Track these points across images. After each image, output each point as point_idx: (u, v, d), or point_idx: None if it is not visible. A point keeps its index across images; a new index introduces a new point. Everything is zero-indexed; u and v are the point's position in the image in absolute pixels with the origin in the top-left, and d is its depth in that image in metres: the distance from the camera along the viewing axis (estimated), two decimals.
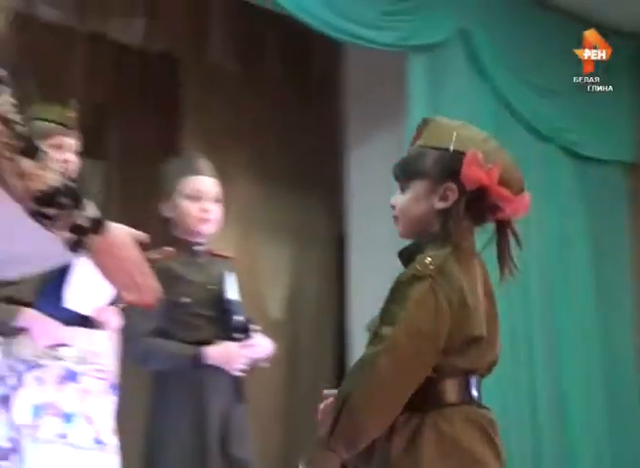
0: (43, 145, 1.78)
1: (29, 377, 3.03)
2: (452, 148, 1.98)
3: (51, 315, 3.04)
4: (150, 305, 1.90)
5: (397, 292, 1.93)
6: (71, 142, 3.25)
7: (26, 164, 1.70)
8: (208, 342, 3.39)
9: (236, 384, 3.46)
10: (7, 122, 1.67)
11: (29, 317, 3.02)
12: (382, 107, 5.37)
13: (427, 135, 2.05)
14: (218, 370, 3.37)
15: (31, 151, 1.71)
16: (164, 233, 3.58)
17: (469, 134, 2.06)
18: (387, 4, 4.91)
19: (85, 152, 5.77)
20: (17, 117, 1.70)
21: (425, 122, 2.11)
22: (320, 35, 4.92)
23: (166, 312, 3.33)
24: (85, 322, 3.13)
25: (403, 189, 2.06)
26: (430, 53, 5.04)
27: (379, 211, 5.38)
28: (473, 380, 2.00)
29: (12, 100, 1.70)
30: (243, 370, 3.44)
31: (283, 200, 5.78)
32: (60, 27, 4.97)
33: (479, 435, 1.96)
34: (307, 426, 5.72)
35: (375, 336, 1.93)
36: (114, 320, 3.19)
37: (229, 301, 3.45)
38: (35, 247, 1.85)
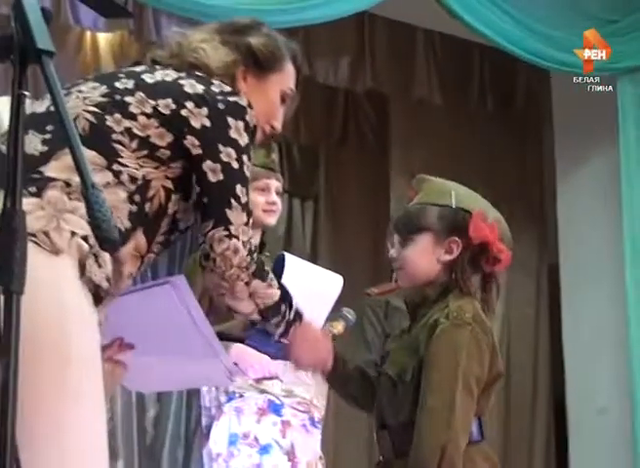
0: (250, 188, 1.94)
1: (229, 408, 3.11)
2: (454, 205, 2.19)
3: (260, 349, 3.12)
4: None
5: (442, 339, 2.10)
6: (276, 185, 3.34)
7: (257, 285, 1.94)
8: None
9: None
10: (251, 253, 1.90)
11: (240, 352, 3.10)
12: (592, 133, 5.28)
13: (425, 193, 2.25)
14: None
15: (261, 273, 1.95)
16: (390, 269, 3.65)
17: (465, 192, 2.28)
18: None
19: (295, 192, 5.97)
20: (254, 246, 1.92)
21: (420, 180, 2.31)
22: (524, 64, 4.89)
23: (383, 344, 3.40)
24: None
25: (405, 242, 2.23)
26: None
27: (591, 237, 5.29)
28: (482, 419, 2.18)
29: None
30: None
31: None
32: None
33: None
34: (524, 452, 5.68)
35: (429, 383, 2.10)
36: None
37: None
38: (205, 372, 2.13)
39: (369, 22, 5.19)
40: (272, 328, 2.06)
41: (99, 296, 1.68)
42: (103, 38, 4.97)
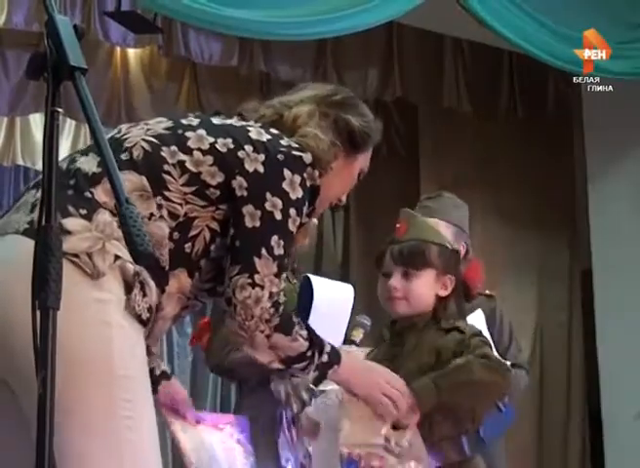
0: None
1: None
2: (450, 246, 2.38)
3: None
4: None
5: (467, 348, 2.28)
6: None
7: (279, 339, 1.84)
8: None
9: None
10: (277, 305, 1.81)
11: None
12: (623, 137, 5.25)
13: (418, 229, 2.39)
14: None
15: (286, 328, 1.85)
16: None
17: (448, 231, 2.57)
18: (624, 32, 4.80)
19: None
20: (283, 298, 1.83)
21: (407, 214, 2.45)
22: (553, 69, 4.86)
23: None
24: None
25: (408, 274, 2.34)
26: None
27: (624, 242, 5.25)
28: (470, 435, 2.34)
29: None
30: None
31: (523, 237, 5.72)
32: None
33: None
34: (559, 460, 5.64)
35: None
36: None
37: None
38: None
39: (397, 32, 5.20)
40: (300, 373, 1.95)
41: (141, 321, 1.67)
42: (133, 53, 5.00)
